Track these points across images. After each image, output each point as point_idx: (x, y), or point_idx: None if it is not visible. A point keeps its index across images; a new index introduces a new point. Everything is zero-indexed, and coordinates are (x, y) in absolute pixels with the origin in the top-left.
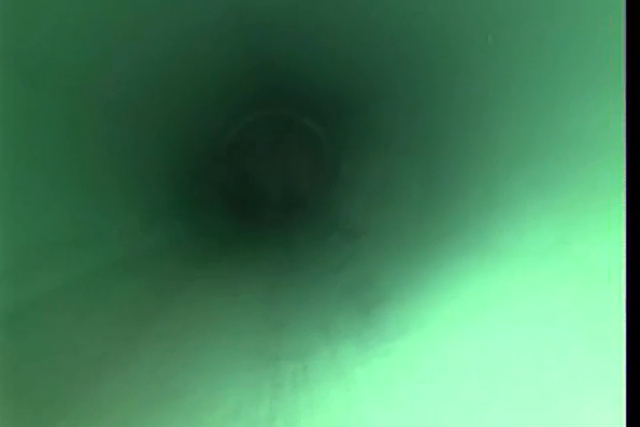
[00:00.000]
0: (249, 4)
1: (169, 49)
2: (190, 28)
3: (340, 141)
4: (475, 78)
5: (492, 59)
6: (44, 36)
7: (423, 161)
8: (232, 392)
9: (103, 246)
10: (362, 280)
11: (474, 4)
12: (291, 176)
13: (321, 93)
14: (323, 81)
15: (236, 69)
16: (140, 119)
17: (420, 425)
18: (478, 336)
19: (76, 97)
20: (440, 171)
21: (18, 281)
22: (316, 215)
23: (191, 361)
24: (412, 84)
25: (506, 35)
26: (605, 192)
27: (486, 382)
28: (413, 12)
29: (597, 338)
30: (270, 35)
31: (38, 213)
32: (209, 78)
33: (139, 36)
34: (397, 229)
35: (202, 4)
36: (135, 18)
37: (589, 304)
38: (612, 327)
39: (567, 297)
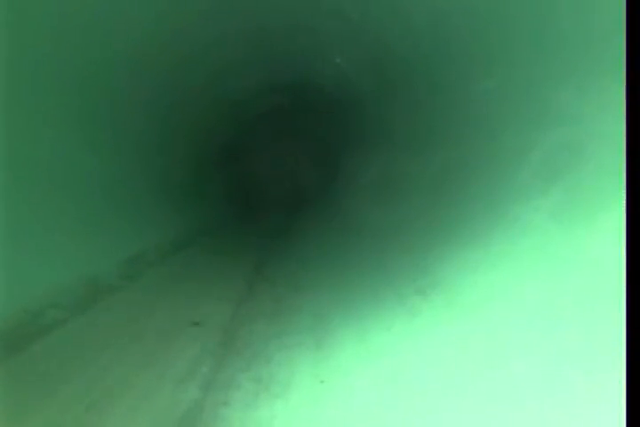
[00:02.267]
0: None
1: (178, 54)
2: (197, 28)
3: (340, 138)
4: (475, 75)
5: (492, 56)
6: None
7: (424, 156)
8: None
9: (111, 250)
10: (365, 275)
11: (474, 3)
12: (293, 173)
13: (322, 92)
14: (323, 80)
15: (239, 68)
16: (144, 123)
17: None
18: (480, 330)
19: (84, 105)
20: (441, 166)
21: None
22: (318, 211)
23: None
24: (411, 80)
25: (506, 33)
26: (607, 188)
27: (488, 375)
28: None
29: (598, 333)
30: (274, 34)
31: (55, 226)
32: (211, 80)
33: (146, 43)
34: (399, 224)
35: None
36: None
37: (591, 298)
38: (613, 321)
39: (569, 291)
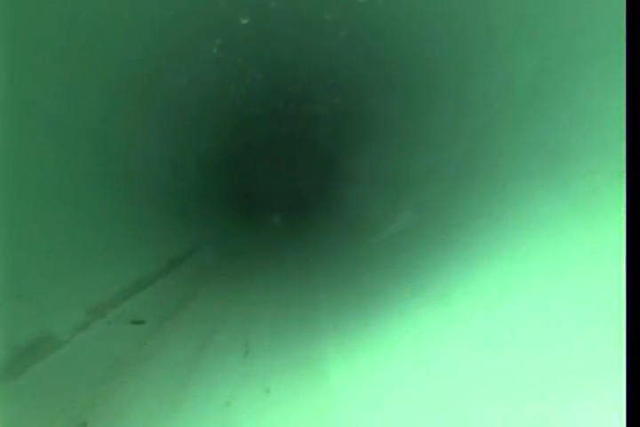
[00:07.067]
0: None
1: (175, 59)
2: (198, 31)
3: (337, 137)
4: (475, 73)
5: (491, 53)
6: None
7: (423, 153)
8: None
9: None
10: (367, 275)
11: (470, 3)
12: (292, 176)
13: (318, 91)
14: (319, 79)
15: (239, 73)
16: (145, 132)
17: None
18: (480, 331)
19: (90, 116)
20: (441, 162)
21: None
22: (318, 213)
23: None
24: (407, 76)
25: (506, 32)
26: (608, 188)
27: (486, 377)
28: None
29: (598, 333)
30: (273, 38)
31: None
32: (213, 87)
33: (145, 47)
34: (400, 223)
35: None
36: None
37: (591, 298)
38: (612, 322)
39: (570, 290)
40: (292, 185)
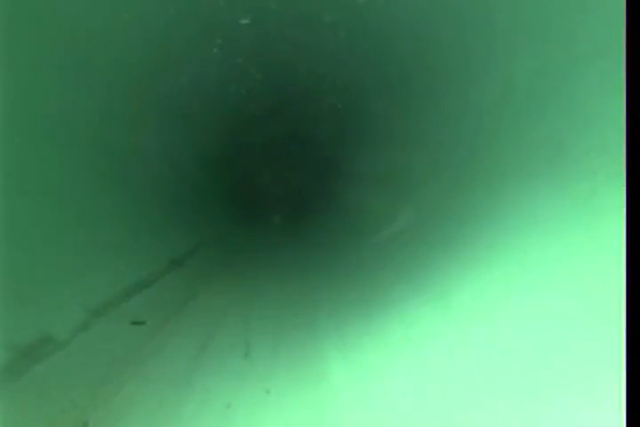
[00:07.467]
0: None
1: (175, 59)
2: (198, 31)
3: (337, 137)
4: (474, 74)
5: (491, 54)
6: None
7: (423, 153)
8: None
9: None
10: (368, 275)
11: (470, 4)
12: (292, 175)
13: (318, 91)
14: (319, 79)
15: (239, 73)
16: (146, 130)
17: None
18: (479, 332)
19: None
20: (441, 162)
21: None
22: (318, 213)
23: None
24: (406, 76)
25: (506, 31)
26: (607, 189)
27: (487, 377)
28: None
29: (598, 334)
30: (273, 39)
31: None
32: (213, 88)
33: (146, 45)
34: (400, 223)
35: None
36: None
37: (590, 298)
38: (612, 323)
39: (569, 290)
40: (292, 185)
